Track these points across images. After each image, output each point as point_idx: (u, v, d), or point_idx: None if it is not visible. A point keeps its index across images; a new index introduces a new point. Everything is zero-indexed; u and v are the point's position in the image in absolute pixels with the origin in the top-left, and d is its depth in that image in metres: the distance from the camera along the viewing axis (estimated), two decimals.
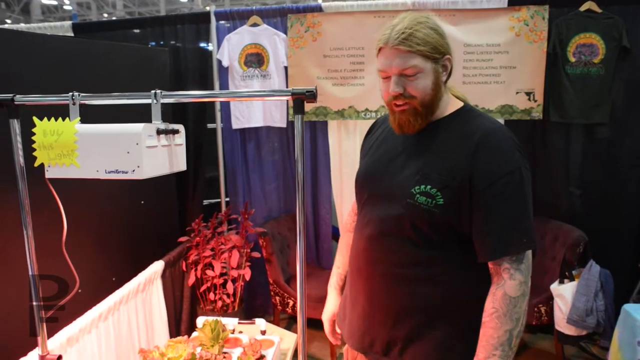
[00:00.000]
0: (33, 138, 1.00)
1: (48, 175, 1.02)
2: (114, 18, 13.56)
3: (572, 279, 2.41)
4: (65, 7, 14.28)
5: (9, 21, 13.57)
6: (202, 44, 2.99)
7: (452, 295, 1.10)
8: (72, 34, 2.94)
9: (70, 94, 1.05)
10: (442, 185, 1.06)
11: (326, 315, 1.43)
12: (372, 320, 1.18)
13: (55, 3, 13.97)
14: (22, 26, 3.15)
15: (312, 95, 0.95)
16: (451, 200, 1.05)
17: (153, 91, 1.02)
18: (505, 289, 1.03)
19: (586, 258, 2.48)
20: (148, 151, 0.98)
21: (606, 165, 2.73)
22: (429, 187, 1.06)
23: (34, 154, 1.01)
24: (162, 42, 2.97)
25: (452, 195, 1.05)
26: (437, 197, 1.06)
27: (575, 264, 2.47)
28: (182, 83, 2.91)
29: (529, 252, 1.06)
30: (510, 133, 1.10)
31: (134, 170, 0.98)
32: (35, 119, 1.00)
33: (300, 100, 0.96)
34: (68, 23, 2.94)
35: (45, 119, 1.00)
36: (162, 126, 1.04)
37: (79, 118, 1.01)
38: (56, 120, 1.02)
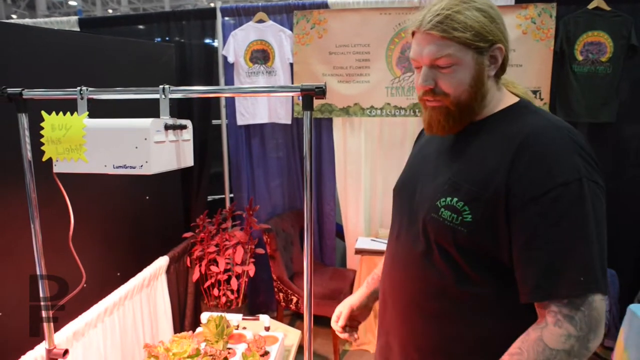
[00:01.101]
0: (41, 132, 1.00)
1: (56, 169, 1.02)
2: (118, 14, 13.57)
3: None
4: (71, 3, 14.30)
5: (14, 16, 13.61)
6: (208, 40, 2.99)
7: (486, 341, 0.88)
8: (79, 29, 2.94)
9: (79, 88, 1.04)
10: (471, 197, 0.85)
11: (341, 305, 1.28)
12: (394, 355, 1.03)
13: None
14: (28, 21, 3.15)
15: (321, 92, 0.93)
16: (482, 217, 0.84)
17: (161, 86, 1.02)
18: (544, 334, 0.79)
19: None
20: (156, 146, 0.98)
21: (612, 165, 2.71)
22: (455, 199, 0.87)
23: (42, 148, 1.01)
24: (167, 38, 2.98)
25: (483, 210, 0.84)
26: (464, 212, 0.85)
27: None
28: (187, 79, 2.91)
29: (597, 298, 0.77)
30: (576, 135, 0.84)
31: (142, 166, 0.97)
32: (43, 113, 0.99)
33: (309, 96, 0.95)
34: (74, 18, 2.94)
35: (54, 113, 1.00)
36: (170, 121, 1.03)
37: (87, 112, 1.01)
38: (64, 114, 1.01)
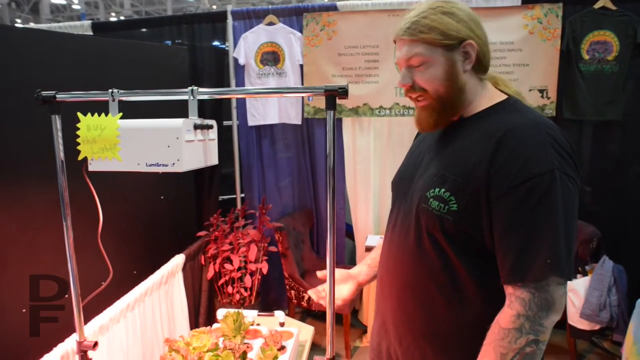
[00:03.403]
0: (77, 133, 1.04)
1: (91, 168, 1.06)
2: (122, 17, 13.65)
3: (585, 274, 2.44)
4: (74, 7, 14.39)
5: (18, 20, 13.70)
6: (218, 43, 3.04)
7: (475, 324, 0.94)
8: (92, 33, 3.00)
9: (110, 90, 1.09)
10: (456, 188, 0.92)
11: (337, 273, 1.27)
12: (389, 337, 1.10)
13: (64, 2, 14.08)
14: (43, 26, 3.21)
15: (344, 92, 0.96)
16: (466, 206, 0.91)
17: (190, 88, 1.06)
18: (499, 316, 0.88)
19: (599, 253, 2.51)
20: (187, 145, 1.02)
21: (619, 162, 2.75)
22: (442, 190, 0.94)
23: (78, 147, 1.05)
24: (177, 41, 3.02)
25: (467, 200, 0.91)
26: (451, 201, 0.92)
27: (588, 259, 2.50)
28: (198, 81, 2.96)
29: (554, 282, 0.84)
30: (554, 130, 0.90)
31: (173, 164, 1.01)
32: (80, 114, 1.04)
33: (332, 97, 0.99)
34: (87, 23, 3.00)
35: (89, 114, 1.04)
36: (198, 121, 1.07)
37: (121, 114, 1.05)
38: (92, 115, 1.05)
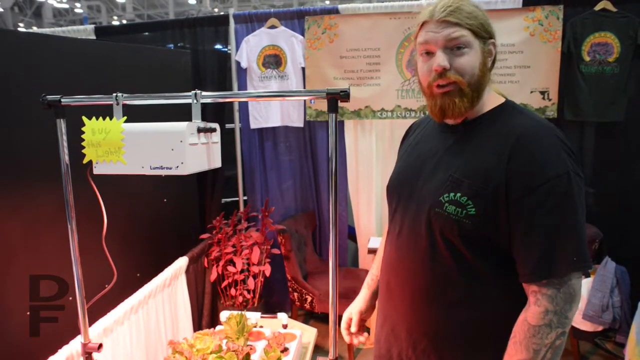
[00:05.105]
0: (82, 136, 1.06)
1: (96, 171, 1.08)
2: (124, 21, 13.72)
3: (587, 275, 2.44)
4: (77, 10, 14.49)
5: (21, 24, 13.78)
6: (220, 46, 3.06)
7: (492, 323, 0.97)
8: (95, 37, 3.02)
9: (114, 94, 1.10)
10: (473, 192, 0.93)
11: (347, 310, 1.32)
12: (401, 343, 1.08)
13: (67, 6, 14.18)
14: (46, 30, 3.23)
15: (346, 95, 0.97)
16: (485, 210, 0.92)
17: (193, 92, 1.07)
18: (527, 315, 0.90)
19: (601, 255, 2.50)
20: (190, 148, 1.03)
21: (621, 163, 2.75)
22: (458, 194, 0.94)
23: (83, 151, 1.06)
24: (179, 44, 3.04)
25: (486, 204, 0.92)
26: (468, 206, 0.93)
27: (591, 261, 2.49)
28: (201, 84, 2.97)
29: (575, 277, 0.89)
30: (559, 133, 0.95)
31: (177, 167, 1.02)
32: (84, 118, 1.05)
33: (334, 100, 1.00)
34: (91, 27, 3.02)
35: (94, 118, 1.06)
36: (202, 124, 1.08)
37: (126, 117, 1.06)
38: (97, 119, 1.06)
